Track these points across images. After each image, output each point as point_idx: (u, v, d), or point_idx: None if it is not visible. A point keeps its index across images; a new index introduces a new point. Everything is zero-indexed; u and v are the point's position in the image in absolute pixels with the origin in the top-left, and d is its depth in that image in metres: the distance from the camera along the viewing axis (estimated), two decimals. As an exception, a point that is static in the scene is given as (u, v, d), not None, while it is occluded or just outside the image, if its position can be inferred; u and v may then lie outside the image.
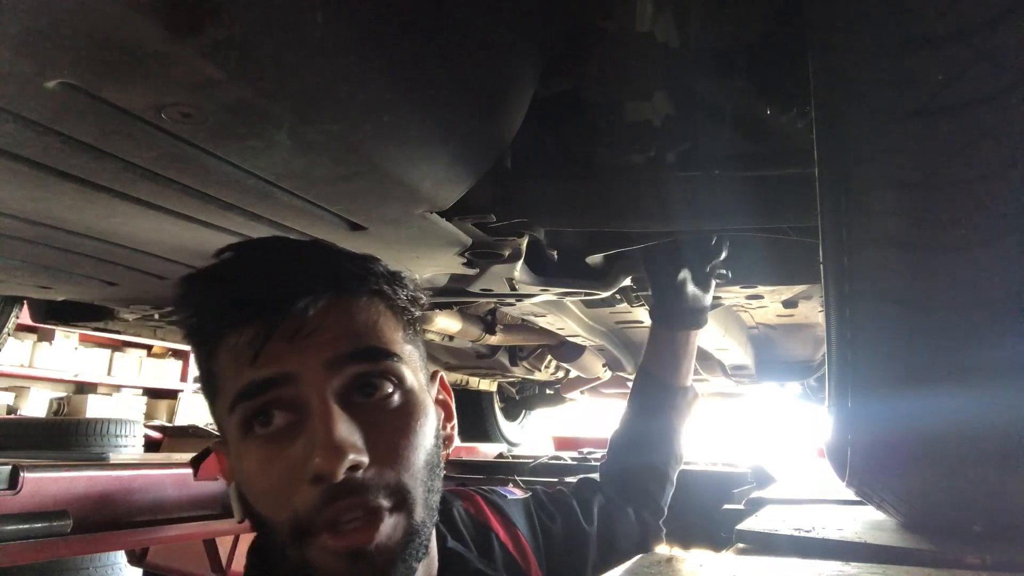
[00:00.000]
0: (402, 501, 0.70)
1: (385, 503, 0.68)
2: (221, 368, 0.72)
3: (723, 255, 1.53)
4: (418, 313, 0.83)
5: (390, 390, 0.73)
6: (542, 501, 1.16)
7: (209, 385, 0.75)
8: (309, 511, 0.67)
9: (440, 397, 0.86)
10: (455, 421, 0.88)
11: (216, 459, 0.81)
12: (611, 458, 1.44)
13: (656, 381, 1.47)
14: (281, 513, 0.68)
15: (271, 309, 0.69)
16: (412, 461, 0.71)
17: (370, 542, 0.67)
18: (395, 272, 0.81)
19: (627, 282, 1.83)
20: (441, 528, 0.86)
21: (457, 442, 0.88)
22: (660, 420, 1.44)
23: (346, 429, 0.67)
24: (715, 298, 2.04)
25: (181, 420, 5.82)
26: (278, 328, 0.68)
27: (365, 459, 0.67)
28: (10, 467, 1.67)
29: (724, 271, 1.56)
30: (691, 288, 1.48)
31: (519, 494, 1.14)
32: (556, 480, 2.34)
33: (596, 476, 1.42)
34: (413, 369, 0.77)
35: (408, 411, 0.73)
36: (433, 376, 0.85)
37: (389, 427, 0.71)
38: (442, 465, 0.78)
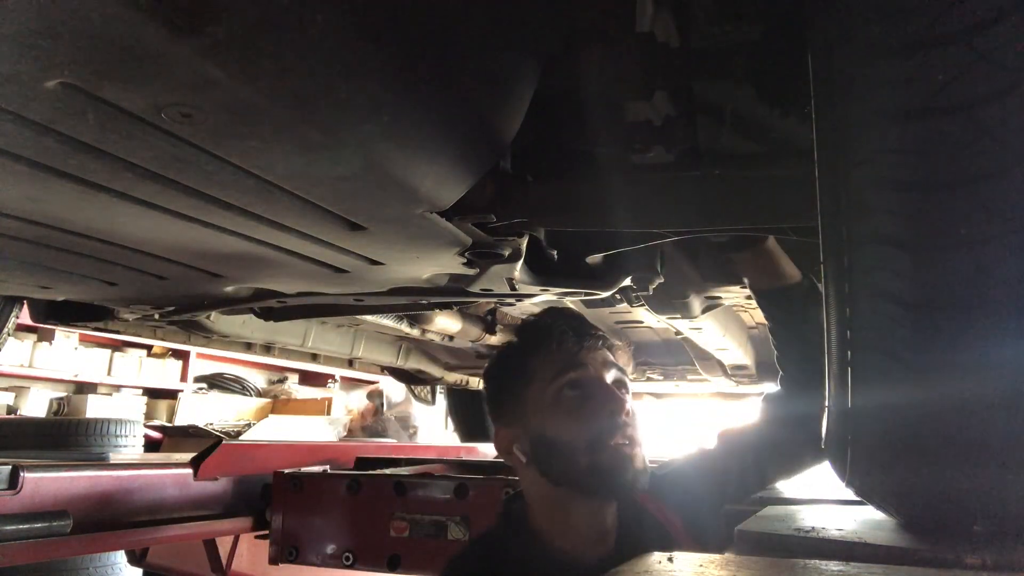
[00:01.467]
0: (639, 444, 1.21)
1: (638, 437, 1.21)
2: (542, 365, 1.25)
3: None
4: (628, 357, 1.35)
5: (626, 392, 1.26)
6: (685, 471, 1.42)
7: (523, 378, 1.26)
8: (604, 431, 1.18)
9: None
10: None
11: (497, 435, 1.31)
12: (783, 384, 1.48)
13: (780, 295, 1.44)
14: (582, 437, 1.18)
15: (586, 336, 1.27)
16: (640, 429, 1.23)
17: (633, 453, 1.19)
18: (611, 337, 1.34)
19: (627, 282, 1.83)
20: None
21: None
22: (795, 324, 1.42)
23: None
24: (715, 298, 2.04)
25: (181, 420, 5.82)
26: (585, 345, 1.26)
27: (631, 407, 1.22)
28: (10, 467, 1.67)
29: None
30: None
31: (666, 471, 1.43)
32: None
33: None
34: (630, 382, 1.31)
35: (632, 401, 1.25)
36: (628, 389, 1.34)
37: (632, 409, 1.23)
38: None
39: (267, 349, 2.94)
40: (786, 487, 1.71)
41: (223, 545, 2.39)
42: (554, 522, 1.23)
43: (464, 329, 2.55)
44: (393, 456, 2.72)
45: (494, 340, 2.70)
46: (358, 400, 6.30)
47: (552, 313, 1.38)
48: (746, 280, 1.55)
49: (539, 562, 1.21)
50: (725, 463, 1.40)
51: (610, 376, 1.25)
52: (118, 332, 2.56)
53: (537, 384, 1.24)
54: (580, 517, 1.22)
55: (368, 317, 2.34)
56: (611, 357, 1.29)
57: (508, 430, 1.29)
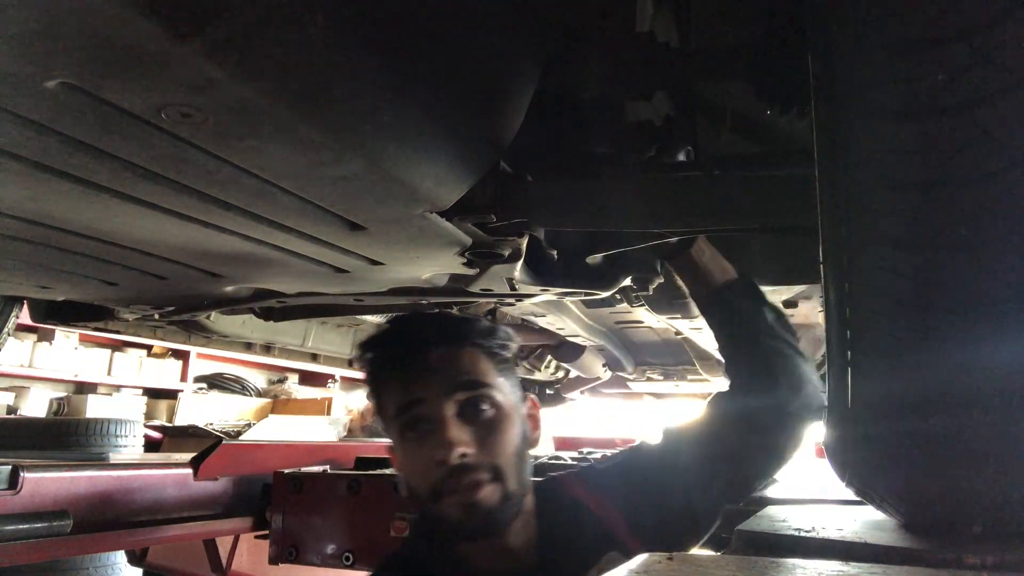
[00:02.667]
0: (498, 475, 1.09)
1: (486, 476, 1.08)
2: (385, 395, 1.14)
3: None
4: (509, 355, 1.21)
5: (486, 408, 1.12)
6: (631, 463, 1.35)
7: (379, 405, 1.17)
8: (438, 482, 1.07)
9: (530, 412, 1.23)
10: (540, 429, 1.24)
11: (392, 458, 1.21)
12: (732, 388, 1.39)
13: (722, 300, 1.40)
14: (424, 485, 1.09)
15: (411, 359, 1.12)
16: (504, 449, 1.10)
17: (475, 499, 1.06)
18: (492, 327, 1.20)
19: (627, 282, 1.83)
20: (539, 507, 1.20)
21: (539, 440, 1.24)
22: (743, 326, 1.37)
23: (456, 431, 1.08)
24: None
25: (181, 420, 5.81)
26: (415, 370, 1.11)
27: (471, 450, 1.07)
28: (10, 467, 1.67)
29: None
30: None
31: (604, 465, 1.39)
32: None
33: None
34: (505, 394, 1.15)
35: (499, 420, 1.12)
36: (524, 398, 1.22)
37: (487, 429, 1.10)
38: (529, 454, 1.17)
39: (267, 349, 2.94)
40: (786, 487, 1.71)
41: (223, 545, 2.39)
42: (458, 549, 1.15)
43: (464, 329, 2.54)
44: (393, 456, 2.71)
45: (494, 340, 2.70)
46: (358, 400, 6.29)
47: (391, 329, 1.26)
48: (683, 286, 1.49)
49: None
50: (671, 458, 1.31)
51: (450, 408, 1.09)
52: (118, 332, 2.56)
53: (387, 417, 1.16)
54: (473, 551, 1.14)
55: (368, 317, 2.35)
56: (463, 369, 1.12)
57: (393, 454, 1.20)
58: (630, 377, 3.49)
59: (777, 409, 1.29)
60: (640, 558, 0.70)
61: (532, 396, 1.25)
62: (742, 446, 1.29)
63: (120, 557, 3.12)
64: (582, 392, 4.18)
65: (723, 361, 1.42)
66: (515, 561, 1.14)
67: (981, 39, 0.65)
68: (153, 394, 6.40)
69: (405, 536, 1.25)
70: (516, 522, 1.12)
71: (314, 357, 3.27)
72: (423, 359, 1.11)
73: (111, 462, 2.35)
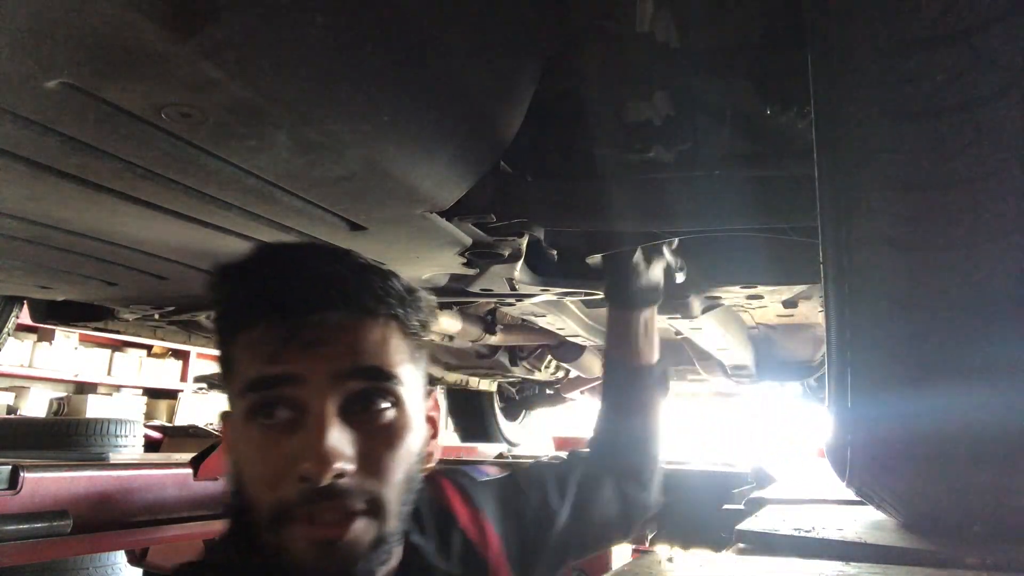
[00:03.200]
0: (377, 510, 0.76)
1: (361, 507, 0.75)
2: (239, 354, 0.79)
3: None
4: (427, 337, 0.89)
5: (385, 407, 0.79)
6: (516, 480, 1.14)
7: (225, 366, 0.82)
8: (291, 503, 0.73)
9: (430, 414, 0.90)
10: (438, 439, 0.92)
11: (223, 428, 0.86)
12: (593, 439, 1.40)
13: (622, 365, 1.41)
14: (266, 497, 0.75)
15: (296, 314, 0.76)
16: (393, 474, 0.78)
17: (340, 538, 0.74)
18: (414, 291, 0.87)
19: (627, 282, 1.83)
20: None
21: (438, 456, 0.94)
22: (633, 401, 1.38)
23: (338, 438, 0.74)
24: (715, 298, 2.04)
25: (181, 420, 5.82)
26: (298, 333, 0.75)
27: (351, 467, 0.74)
28: (10, 467, 1.67)
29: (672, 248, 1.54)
30: (642, 265, 1.46)
31: (493, 473, 1.14)
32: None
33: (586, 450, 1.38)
34: (411, 390, 0.83)
35: (398, 428, 0.80)
36: (428, 394, 0.90)
37: (378, 441, 0.78)
38: (419, 479, 0.84)
39: (267, 349, 2.94)
40: (786, 487, 1.71)
41: (223, 545, 2.38)
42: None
43: (464, 329, 2.54)
44: (393, 456, 2.71)
45: (494, 340, 2.70)
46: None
47: (272, 263, 0.82)
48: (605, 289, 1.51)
49: None
50: (553, 483, 1.16)
51: (335, 400, 0.75)
52: (118, 332, 2.56)
53: (234, 385, 0.80)
54: None
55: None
56: (367, 349, 0.78)
57: (228, 426, 0.84)
58: (630, 377, 3.48)
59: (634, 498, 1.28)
60: (640, 558, 0.70)
61: (435, 390, 1.01)
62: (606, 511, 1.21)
63: (120, 557, 3.12)
64: (582, 392, 4.18)
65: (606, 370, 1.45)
66: None
67: (980, 39, 0.65)
68: (153, 394, 6.40)
69: (212, 541, 0.88)
70: (383, 569, 0.79)
71: (314, 357, 3.27)
72: (314, 322, 0.76)
73: (111, 462, 2.35)
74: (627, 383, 1.40)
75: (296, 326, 0.75)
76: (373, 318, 0.80)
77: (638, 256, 1.44)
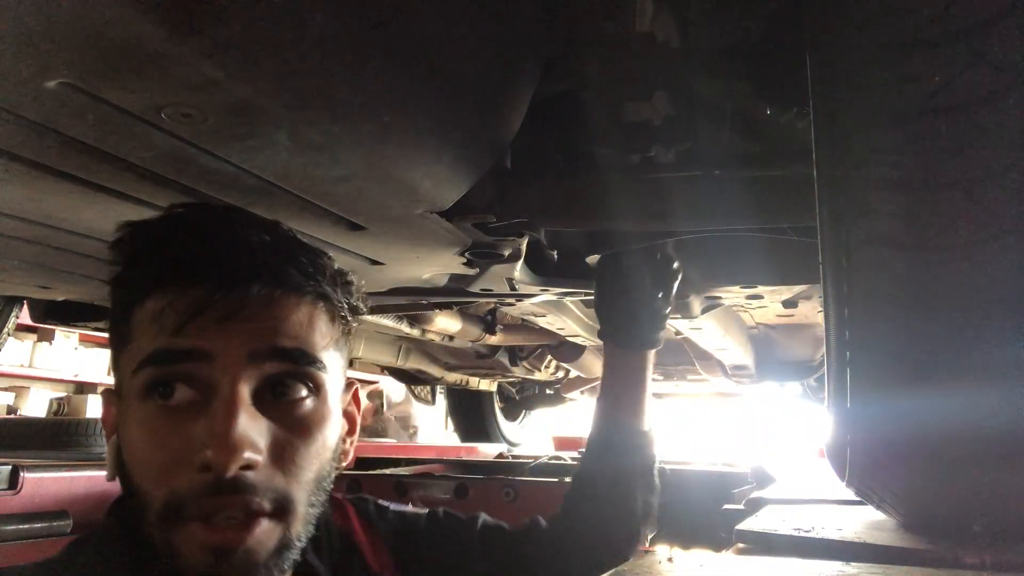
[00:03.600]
0: (283, 510, 0.68)
1: (267, 507, 0.67)
2: (139, 323, 0.70)
3: (674, 266, 1.44)
4: (355, 323, 0.81)
5: (304, 394, 0.72)
6: (432, 523, 1.07)
7: (118, 333, 0.72)
8: (187, 496, 0.65)
9: (348, 409, 0.83)
10: (356, 436, 0.85)
11: (104, 406, 0.77)
12: (570, 496, 1.27)
13: (614, 423, 1.32)
14: (158, 489, 0.66)
15: (210, 282, 0.67)
16: (304, 472, 0.70)
17: (241, 543, 0.65)
18: (344, 274, 0.80)
19: (627, 282, 1.83)
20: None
21: (352, 457, 0.83)
22: (618, 470, 1.26)
23: (248, 424, 0.66)
24: (715, 298, 2.04)
25: (181, 420, 5.80)
26: (211, 304, 0.67)
27: (260, 459, 0.66)
28: (10, 467, 1.67)
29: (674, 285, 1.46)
30: (641, 302, 1.38)
31: (407, 509, 1.08)
32: (556, 480, 2.34)
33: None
34: (333, 379, 0.76)
35: (315, 420, 0.72)
36: (348, 386, 0.83)
37: (292, 432, 0.70)
38: (332, 479, 0.76)
39: (267, 349, 2.94)
40: (786, 487, 1.71)
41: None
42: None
43: (464, 329, 2.54)
44: (393, 456, 2.72)
45: (494, 340, 2.70)
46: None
47: (187, 226, 0.75)
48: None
49: None
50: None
51: (248, 382, 0.68)
52: (118, 332, 2.55)
53: (127, 357, 0.70)
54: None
55: (368, 317, 2.34)
56: (289, 330, 0.70)
57: (111, 404, 0.75)
58: (630, 377, 3.48)
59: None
60: (640, 558, 0.70)
61: (357, 385, 0.86)
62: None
63: (120, 557, 3.12)
64: (582, 392, 4.18)
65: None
66: None
67: (978, 40, 0.65)
68: (153, 394, 6.39)
69: (80, 539, 0.75)
70: None
71: (314, 357, 3.27)
72: (232, 293, 0.67)
73: (111, 462, 2.34)
74: (616, 442, 1.29)
75: (209, 296, 0.66)
76: (299, 295, 0.72)
77: (635, 287, 1.38)
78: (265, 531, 0.67)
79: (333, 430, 0.75)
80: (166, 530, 0.66)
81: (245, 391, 0.67)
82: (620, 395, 1.36)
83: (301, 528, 0.71)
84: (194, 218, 0.76)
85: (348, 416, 0.82)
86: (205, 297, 0.67)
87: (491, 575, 1.05)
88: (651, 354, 1.41)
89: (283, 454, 0.69)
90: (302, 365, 0.71)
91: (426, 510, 1.10)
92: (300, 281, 0.72)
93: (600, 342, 1.44)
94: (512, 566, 1.08)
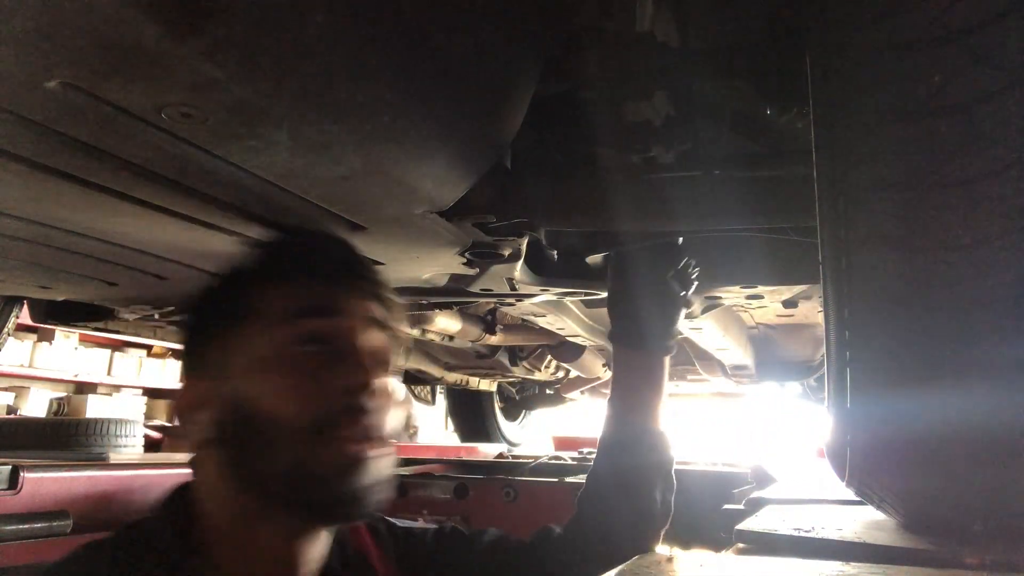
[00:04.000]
0: (387, 444, 0.87)
1: (381, 434, 0.86)
2: (272, 298, 0.89)
3: (683, 263, 1.41)
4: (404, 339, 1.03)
5: (385, 365, 0.92)
6: (437, 539, 1.13)
7: (237, 311, 0.90)
8: (332, 413, 0.82)
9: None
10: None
11: (183, 390, 0.92)
12: (584, 498, 1.27)
13: (628, 424, 1.30)
14: (304, 413, 0.82)
15: (351, 272, 0.93)
16: (392, 418, 0.89)
17: (365, 455, 0.83)
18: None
19: (627, 282, 1.82)
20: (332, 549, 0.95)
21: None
22: (635, 469, 1.25)
23: (373, 365, 0.87)
24: (715, 298, 2.04)
25: (181, 420, 5.80)
26: (345, 283, 0.91)
27: (381, 387, 0.87)
28: (10, 467, 1.67)
29: (692, 283, 1.42)
30: (654, 301, 1.36)
31: (415, 525, 1.15)
32: (556, 480, 2.34)
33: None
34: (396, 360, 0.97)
35: (396, 390, 0.91)
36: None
37: (387, 399, 0.88)
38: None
39: (267, 349, 2.94)
40: (786, 487, 1.71)
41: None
42: (231, 544, 0.84)
43: (464, 329, 2.54)
44: (393, 456, 2.72)
45: (494, 340, 2.70)
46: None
47: (309, 233, 1.05)
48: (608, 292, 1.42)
49: None
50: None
51: (370, 340, 0.89)
52: (118, 332, 2.56)
53: (256, 324, 0.87)
54: (267, 540, 0.84)
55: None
56: (382, 315, 0.93)
57: (199, 384, 0.90)
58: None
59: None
60: (640, 558, 0.70)
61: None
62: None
63: (120, 557, 3.12)
64: (582, 392, 4.18)
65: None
66: None
67: (978, 41, 0.65)
68: (153, 394, 6.40)
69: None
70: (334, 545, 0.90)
71: (314, 357, 3.27)
72: (352, 273, 0.92)
73: (111, 462, 2.35)
74: (629, 443, 1.28)
75: (340, 280, 0.91)
76: (378, 293, 0.95)
77: (648, 285, 1.35)
78: (382, 455, 0.85)
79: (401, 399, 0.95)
80: (308, 444, 0.81)
81: (367, 347, 0.88)
82: (634, 397, 1.32)
83: (388, 466, 0.88)
84: (311, 234, 1.05)
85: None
86: (341, 279, 0.91)
87: None
88: (664, 362, 1.36)
89: (381, 405, 0.87)
90: (390, 343, 0.93)
91: (434, 526, 1.18)
92: (380, 287, 0.97)
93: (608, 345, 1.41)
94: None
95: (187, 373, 0.94)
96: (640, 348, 1.34)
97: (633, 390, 1.33)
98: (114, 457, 2.64)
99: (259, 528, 0.84)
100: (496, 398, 4.60)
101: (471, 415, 4.57)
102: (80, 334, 5.69)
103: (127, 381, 6.18)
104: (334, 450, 0.81)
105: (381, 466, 0.84)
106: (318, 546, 0.89)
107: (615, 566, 0.92)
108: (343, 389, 0.83)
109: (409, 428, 5.43)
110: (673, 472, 1.29)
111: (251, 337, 0.87)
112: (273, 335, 0.86)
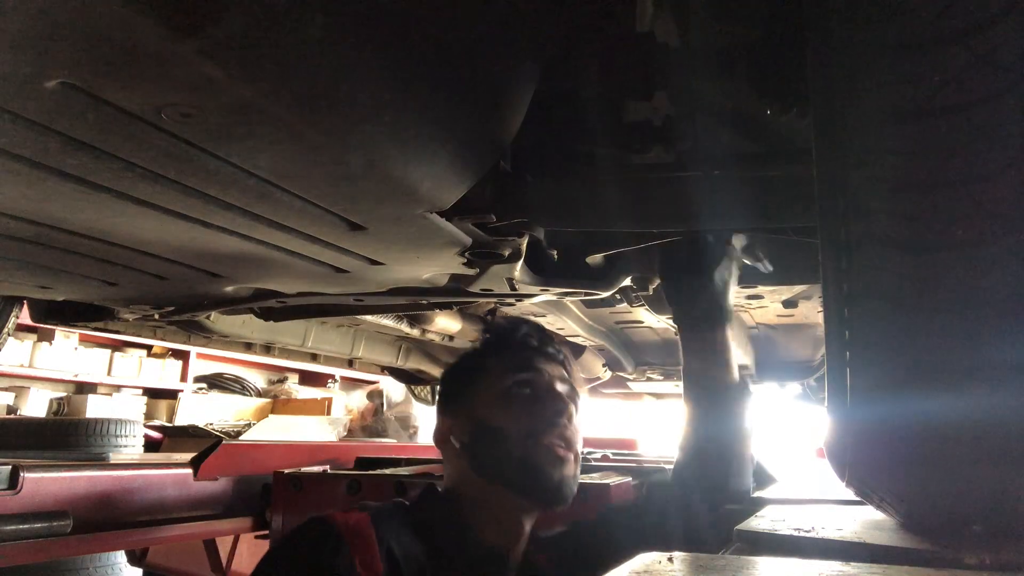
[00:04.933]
0: (575, 451, 1.27)
1: (571, 448, 1.26)
2: (500, 362, 1.31)
3: (738, 249, 1.60)
4: (582, 384, 1.43)
5: (572, 402, 1.32)
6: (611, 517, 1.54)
7: (479, 371, 1.33)
8: (542, 428, 1.23)
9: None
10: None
11: (438, 425, 1.36)
12: (680, 462, 1.63)
13: (700, 384, 1.62)
14: (520, 429, 1.23)
15: (546, 346, 1.35)
16: (579, 437, 1.31)
17: (564, 455, 1.24)
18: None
19: (627, 282, 1.83)
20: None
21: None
22: (715, 419, 1.61)
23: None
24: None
25: (181, 420, 5.81)
26: (543, 353, 1.33)
27: (572, 416, 1.29)
28: (10, 467, 1.67)
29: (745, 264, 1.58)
30: (710, 283, 1.57)
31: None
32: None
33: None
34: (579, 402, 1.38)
35: (578, 416, 1.33)
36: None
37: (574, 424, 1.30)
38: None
39: (267, 349, 2.94)
40: (786, 487, 1.71)
41: (223, 545, 2.39)
42: (480, 516, 1.26)
43: (464, 329, 2.55)
44: (393, 456, 2.72)
45: (494, 340, 2.69)
46: (358, 400, 6.30)
47: (521, 320, 1.46)
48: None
49: (470, 550, 1.24)
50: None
51: (560, 387, 1.31)
52: (118, 332, 2.56)
53: (490, 378, 1.31)
54: (505, 513, 1.26)
55: (368, 317, 2.35)
56: (566, 374, 1.36)
57: (450, 420, 1.34)
58: (630, 377, 3.48)
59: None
60: (640, 557, 0.70)
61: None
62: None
63: (120, 557, 3.12)
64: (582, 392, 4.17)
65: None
66: (517, 545, 1.26)
67: (978, 40, 0.65)
68: (153, 394, 6.39)
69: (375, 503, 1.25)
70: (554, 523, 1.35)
71: (314, 357, 3.27)
72: (547, 347, 1.35)
73: (111, 462, 2.35)
74: (708, 402, 1.62)
75: (541, 352, 1.33)
76: (563, 359, 1.36)
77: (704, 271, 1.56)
78: (570, 460, 1.25)
79: (582, 424, 1.36)
80: (527, 451, 1.22)
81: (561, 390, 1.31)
82: (705, 364, 1.63)
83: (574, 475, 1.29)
84: (527, 323, 1.42)
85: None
86: (539, 352, 1.34)
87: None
88: (724, 330, 1.61)
89: (572, 425, 1.29)
90: (572, 391, 1.34)
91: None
92: (563, 356, 1.38)
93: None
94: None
95: (441, 415, 1.37)
96: (699, 323, 1.63)
97: (705, 357, 1.63)
98: (114, 457, 2.64)
99: (501, 506, 1.25)
100: (496, 398, 4.58)
101: (471, 415, 4.56)
102: (80, 334, 5.69)
103: (127, 381, 6.17)
104: (543, 449, 1.22)
105: (573, 464, 1.25)
106: (531, 523, 1.29)
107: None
108: (549, 412, 1.25)
109: (409, 428, 5.42)
110: (746, 429, 1.73)
111: (487, 386, 1.30)
112: (502, 383, 1.28)
